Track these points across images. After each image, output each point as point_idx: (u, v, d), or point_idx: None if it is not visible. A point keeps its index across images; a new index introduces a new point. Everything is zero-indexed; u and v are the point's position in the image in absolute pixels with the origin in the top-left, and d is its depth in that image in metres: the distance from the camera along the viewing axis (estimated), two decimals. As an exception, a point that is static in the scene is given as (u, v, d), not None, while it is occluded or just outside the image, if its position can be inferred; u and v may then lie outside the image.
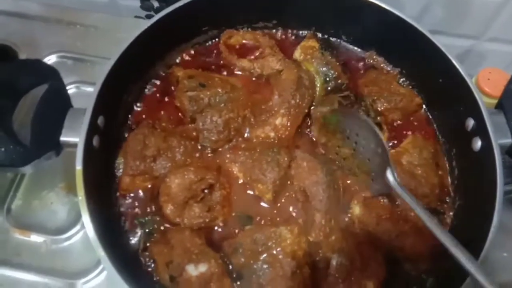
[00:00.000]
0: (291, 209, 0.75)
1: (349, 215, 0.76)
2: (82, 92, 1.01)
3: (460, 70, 0.75)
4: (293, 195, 0.76)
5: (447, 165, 0.82)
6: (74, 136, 0.67)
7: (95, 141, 0.70)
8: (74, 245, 0.85)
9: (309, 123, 0.83)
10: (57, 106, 0.69)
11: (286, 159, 0.76)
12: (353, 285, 0.68)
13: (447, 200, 0.79)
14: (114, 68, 0.73)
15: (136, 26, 0.78)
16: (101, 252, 0.59)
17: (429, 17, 1.17)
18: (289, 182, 0.76)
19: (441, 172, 0.81)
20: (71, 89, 1.00)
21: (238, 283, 0.68)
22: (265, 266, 0.67)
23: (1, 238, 0.85)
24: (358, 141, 0.75)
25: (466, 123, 0.75)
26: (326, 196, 0.73)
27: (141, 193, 0.76)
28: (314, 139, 0.82)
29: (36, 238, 0.85)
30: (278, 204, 0.76)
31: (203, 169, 0.76)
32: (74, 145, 0.66)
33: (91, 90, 0.71)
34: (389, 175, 0.70)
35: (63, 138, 0.67)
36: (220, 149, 0.80)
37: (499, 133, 0.70)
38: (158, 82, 0.87)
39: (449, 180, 0.81)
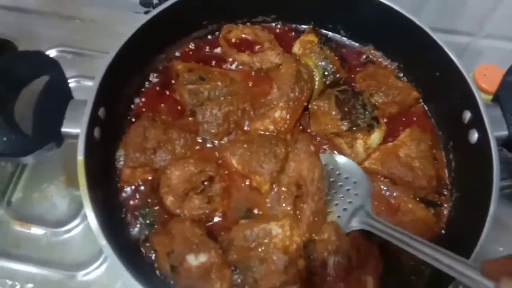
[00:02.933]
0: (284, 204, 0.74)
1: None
2: (82, 86, 1.01)
3: (457, 63, 0.77)
4: (286, 189, 0.75)
5: (444, 157, 0.83)
6: (75, 127, 0.67)
7: (96, 132, 0.70)
8: (74, 237, 0.86)
9: (307, 117, 0.84)
10: (58, 97, 0.69)
11: (283, 151, 0.77)
12: (353, 281, 0.68)
13: (445, 193, 0.80)
14: (114, 61, 0.74)
15: (136, 20, 0.79)
16: (102, 241, 0.60)
17: (426, 14, 1.18)
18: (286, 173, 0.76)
19: (438, 165, 0.82)
20: (70, 83, 0.96)
21: (238, 273, 0.69)
22: (257, 262, 0.67)
23: (1, 230, 0.85)
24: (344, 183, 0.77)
25: (463, 115, 0.77)
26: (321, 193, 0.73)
27: (141, 184, 0.76)
28: (313, 133, 0.83)
29: (36, 230, 0.85)
30: (275, 196, 0.76)
31: (203, 161, 0.77)
32: (75, 136, 0.67)
33: (91, 84, 0.71)
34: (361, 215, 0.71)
35: (64, 129, 0.68)
36: (219, 142, 0.80)
37: (495, 125, 0.72)
38: (158, 76, 0.88)
39: (446, 172, 0.82)
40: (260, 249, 0.68)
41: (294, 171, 0.75)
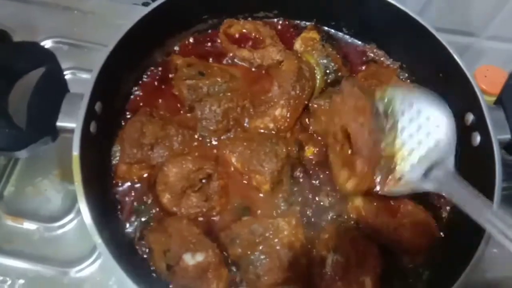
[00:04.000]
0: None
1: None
2: (78, 78, 0.99)
3: (461, 64, 0.75)
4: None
5: (444, 159, 0.82)
6: (71, 121, 0.66)
7: (92, 127, 0.68)
8: (68, 233, 0.84)
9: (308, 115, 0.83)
10: (54, 90, 0.67)
11: (284, 150, 0.76)
12: (351, 281, 0.67)
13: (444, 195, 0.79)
14: (112, 54, 0.72)
15: (134, 12, 0.77)
16: (97, 238, 0.58)
17: (429, 13, 1.17)
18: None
19: (438, 167, 0.81)
20: (66, 75, 0.97)
21: (235, 272, 0.68)
22: (262, 256, 0.66)
23: (-8, 225, 0.83)
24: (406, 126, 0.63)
25: (465, 117, 0.75)
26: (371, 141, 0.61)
27: (137, 181, 0.75)
28: (313, 133, 0.81)
29: (29, 225, 0.84)
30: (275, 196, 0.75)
31: (201, 158, 0.75)
32: (71, 131, 0.65)
33: (87, 77, 0.70)
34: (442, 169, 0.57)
35: (59, 123, 0.66)
36: (218, 139, 0.79)
37: (498, 129, 0.71)
38: (156, 70, 0.86)
39: (447, 174, 0.81)
40: (265, 244, 0.67)
41: (341, 117, 0.66)
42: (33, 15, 1.09)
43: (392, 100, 0.64)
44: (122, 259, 0.60)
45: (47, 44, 1.05)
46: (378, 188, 0.65)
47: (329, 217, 0.75)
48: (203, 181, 0.73)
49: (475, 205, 0.54)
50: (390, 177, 0.63)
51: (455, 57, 0.76)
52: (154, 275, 0.68)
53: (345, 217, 0.75)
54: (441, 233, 0.76)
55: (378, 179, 0.65)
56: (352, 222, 0.75)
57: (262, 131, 0.80)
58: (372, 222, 0.73)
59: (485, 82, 1.03)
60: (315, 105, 0.82)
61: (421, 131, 0.63)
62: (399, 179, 0.63)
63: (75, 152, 0.63)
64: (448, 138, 0.62)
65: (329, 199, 0.76)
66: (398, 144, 0.64)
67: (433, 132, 0.62)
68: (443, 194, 0.60)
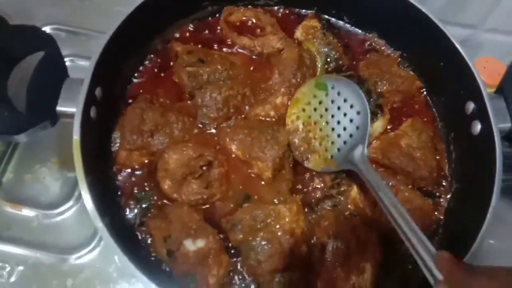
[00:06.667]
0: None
1: (341, 198, 0.75)
2: (76, 65, 0.97)
3: (463, 53, 0.75)
4: None
5: (444, 148, 0.83)
6: (71, 106, 0.65)
7: (92, 112, 0.68)
8: (67, 220, 0.84)
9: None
10: (54, 74, 0.67)
11: (285, 137, 0.76)
12: (351, 268, 0.68)
13: (444, 184, 0.80)
14: (112, 39, 0.72)
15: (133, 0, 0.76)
16: (98, 223, 0.58)
17: (428, 6, 1.17)
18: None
19: (438, 156, 0.81)
20: None
21: (236, 259, 0.68)
22: (263, 242, 0.66)
23: (-9, 211, 0.83)
24: (335, 113, 0.74)
25: (466, 106, 0.76)
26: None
27: (137, 168, 0.75)
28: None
29: (27, 212, 0.83)
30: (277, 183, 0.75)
31: (202, 145, 0.75)
32: (71, 116, 0.65)
33: (85, 64, 0.70)
34: (359, 151, 0.69)
35: (59, 108, 0.65)
36: (218, 127, 0.79)
37: (499, 117, 0.71)
38: (156, 57, 0.86)
39: (446, 163, 0.82)
40: (267, 230, 0.67)
41: None
42: (30, 1, 1.07)
43: (326, 89, 0.75)
44: (123, 244, 0.59)
45: (45, 31, 1.03)
46: (305, 164, 0.75)
47: (329, 206, 0.75)
48: (204, 168, 0.73)
49: (376, 181, 0.65)
50: (321, 154, 0.75)
51: (457, 46, 0.76)
52: (154, 260, 0.68)
53: (344, 208, 0.75)
54: (441, 217, 0.77)
55: (309, 156, 0.76)
56: (352, 210, 0.75)
57: (262, 118, 0.80)
58: (370, 212, 0.74)
59: (484, 74, 1.03)
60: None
61: (346, 117, 0.73)
62: (331, 157, 0.73)
63: (76, 136, 0.62)
64: (364, 124, 0.71)
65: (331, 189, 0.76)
66: (329, 128, 0.75)
67: (355, 119, 0.72)
68: (355, 171, 0.69)
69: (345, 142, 0.73)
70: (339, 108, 0.74)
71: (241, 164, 0.76)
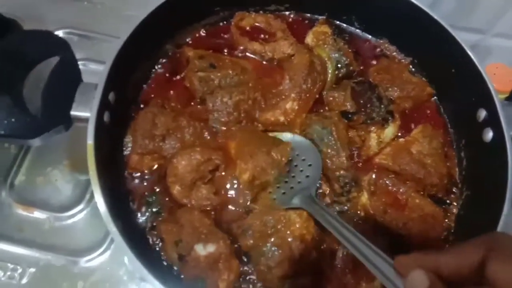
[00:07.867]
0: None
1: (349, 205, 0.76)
2: (89, 69, 0.98)
3: (474, 59, 0.75)
4: None
5: (455, 155, 0.82)
6: (85, 110, 0.66)
7: (106, 117, 0.68)
8: (78, 223, 0.84)
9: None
10: (68, 79, 0.67)
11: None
12: (361, 274, 0.68)
13: (454, 191, 0.80)
14: (126, 44, 0.72)
15: (144, 3, 0.76)
16: (112, 227, 0.58)
17: (437, 11, 1.17)
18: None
19: (449, 163, 0.81)
20: None
21: (246, 264, 0.68)
22: (274, 248, 0.66)
23: (3, 213, 0.83)
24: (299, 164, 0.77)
25: (477, 113, 0.75)
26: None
27: (149, 172, 0.75)
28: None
29: (39, 214, 0.84)
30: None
31: (210, 149, 0.75)
32: (85, 120, 0.65)
33: (97, 68, 0.70)
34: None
35: (74, 112, 0.66)
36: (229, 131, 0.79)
37: (511, 125, 0.70)
38: (167, 62, 0.86)
39: (457, 170, 0.81)
40: (277, 236, 0.67)
41: None
42: (42, 5, 1.08)
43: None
44: (135, 248, 0.60)
45: (58, 35, 1.04)
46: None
47: (336, 211, 0.75)
48: (213, 172, 0.73)
49: (325, 217, 0.66)
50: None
51: (468, 52, 0.76)
52: (165, 264, 0.68)
53: (354, 214, 0.75)
54: (452, 224, 0.76)
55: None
56: (360, 221, 0.75)
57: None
58: (380, 218, 0.74)
59: (494, 80, 1.01)
60: (330, 98, 0.82)
61: (297, 168, 0.76)
62: (274, 199, 0.74)
63: (90, 141, 0.63)
64: (315, 174, 0.75)
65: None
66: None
67: (305, 170, 0.76)
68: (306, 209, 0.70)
69: (291, 188, 0.74)
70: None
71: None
